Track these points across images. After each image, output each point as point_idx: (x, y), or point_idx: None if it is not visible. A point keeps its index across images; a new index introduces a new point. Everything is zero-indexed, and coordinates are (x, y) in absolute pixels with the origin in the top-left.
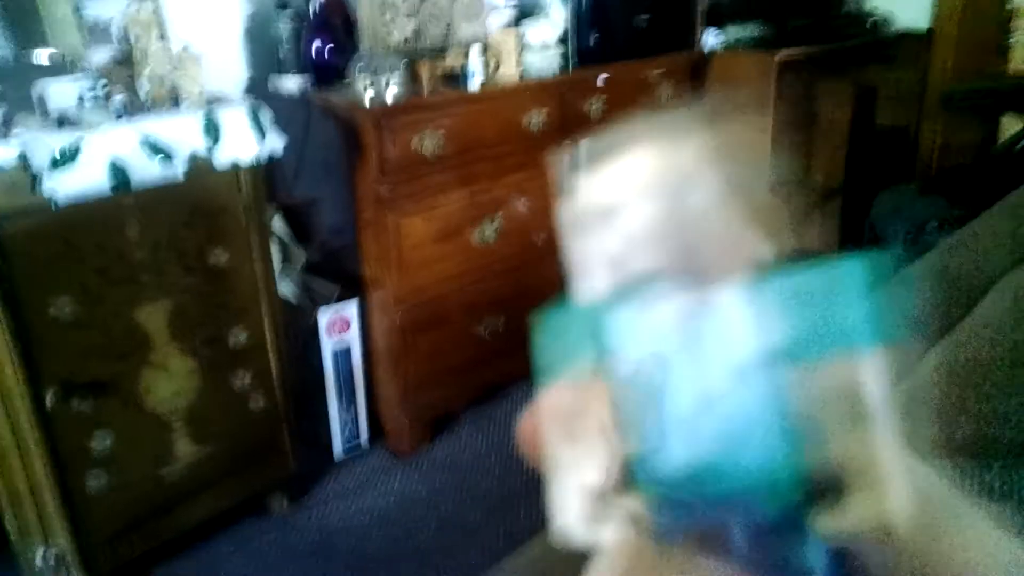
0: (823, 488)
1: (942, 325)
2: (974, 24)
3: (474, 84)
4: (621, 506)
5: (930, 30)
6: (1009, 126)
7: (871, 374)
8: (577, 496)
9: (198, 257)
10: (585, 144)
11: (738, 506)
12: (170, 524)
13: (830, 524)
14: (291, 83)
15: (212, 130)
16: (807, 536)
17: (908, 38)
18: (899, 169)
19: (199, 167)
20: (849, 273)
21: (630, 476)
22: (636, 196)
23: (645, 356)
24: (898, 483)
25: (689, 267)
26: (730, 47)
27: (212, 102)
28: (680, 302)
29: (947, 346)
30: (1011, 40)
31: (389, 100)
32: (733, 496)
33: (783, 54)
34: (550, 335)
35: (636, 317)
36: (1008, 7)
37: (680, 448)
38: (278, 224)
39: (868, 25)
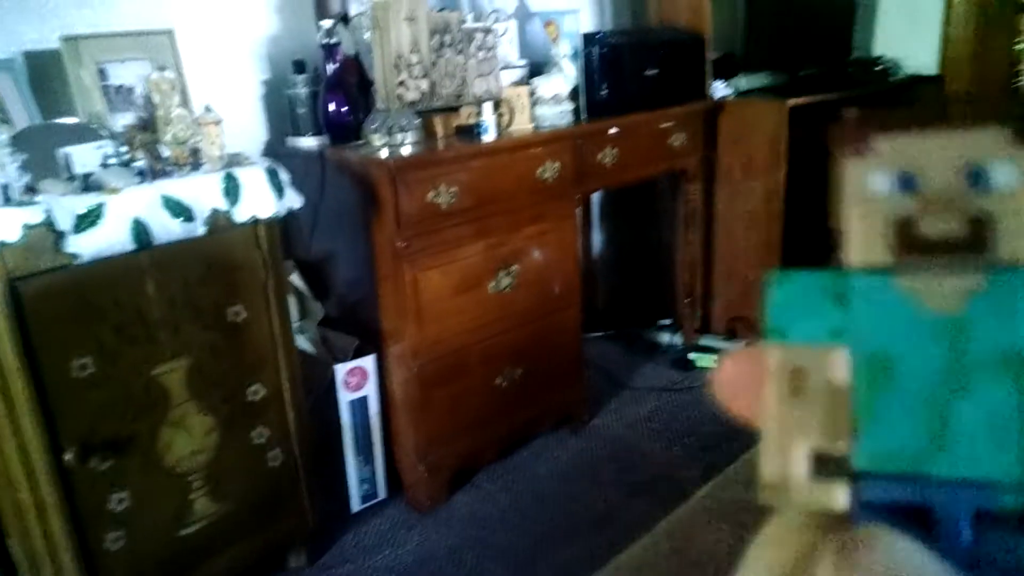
0: None
1: None
2: (985, 67)
3: (488, 138)
4: (839, 473)
5: (940, 75)
6: None
7: None
8: (799, 457)
9: (215, 313)
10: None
11: (969, 492)
12: None
13: None
14: (308, 143)
15: (232, 190)
16: None
17: (920, 83)
18: None
19: (218, 225)
20: None
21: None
22: (940, 161)
23: (893, 338)
24: None
25: (985, 241)
26: (742, 96)
27: (231, 163)
28: (948, 287)
29: None
30: (1021, 81)
31: (405, 155)
32: (966, 481)
33: (793, 101)
34: (791, 296)
35: (891, 301)
36: (1016, 48)
37: (912, 426)
38: (296, 279)
39: (878, 71)
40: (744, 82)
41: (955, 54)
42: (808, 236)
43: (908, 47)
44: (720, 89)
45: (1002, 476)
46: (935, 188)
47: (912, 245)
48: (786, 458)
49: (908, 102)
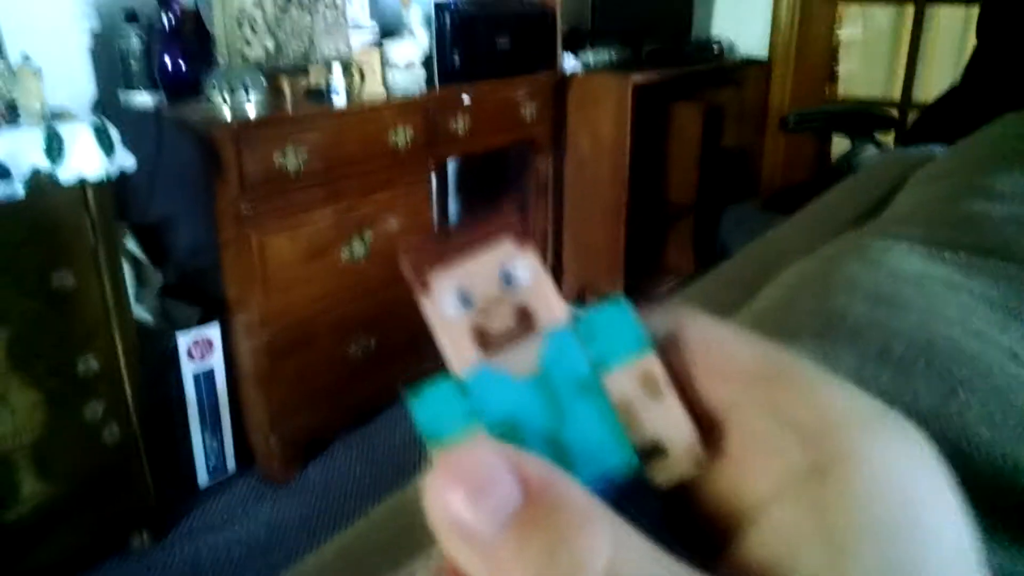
0: (649, 451)
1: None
2: (807, 53)
3: (337, 101)
4: None
5: (768, 58)
6: (840, 144)
7: (655, 365)
8: None
9: (38, 280)
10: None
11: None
12: (18, 570)
13: (661, 473)
14: (142, 98)
15: (54, 146)
16: (646, 486)
17: (750, 65)
18: (744, 186)
19: (40, 185)
20: (620, 309)
21: None
22: (483, 275)
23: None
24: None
25: (534, 322)
26: (589, 70)
27: (54, 117)
28: (525, 355)
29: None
30: (838, 68)
31: (249, 115)
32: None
33: (638, 77)
34: (432, 406)
35: (494, 381)
36: (835, 39)
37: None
38: (131, 245)
39: (714, 52)
40: (591, 56)
41: (781, 41)
42: (650, 204)
43: (741, 29)
44: (570, 62)
45: (609, 463)
46: (486, 297)
47: (491, 340)
48: None
49: (736, 83)
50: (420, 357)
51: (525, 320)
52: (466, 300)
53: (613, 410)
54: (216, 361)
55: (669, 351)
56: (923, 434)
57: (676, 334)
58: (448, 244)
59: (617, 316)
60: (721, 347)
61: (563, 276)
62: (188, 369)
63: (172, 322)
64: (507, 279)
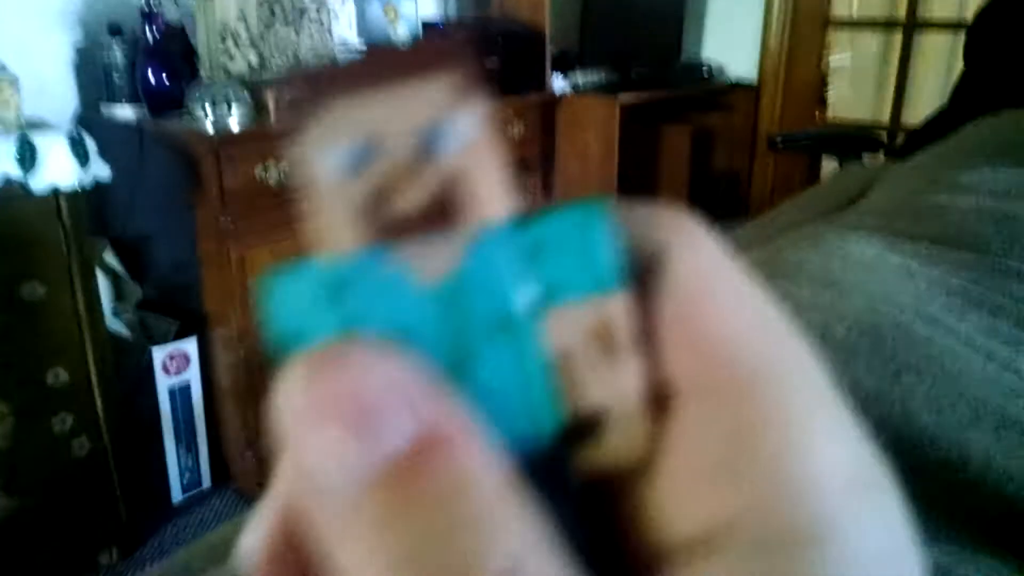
0: (580, 426)
1: None
2: (796, 77)
3: None
4: None
5: (758, 81)
6: (828, 166)
7: (620, 314)
8: None
9: (7, 291)
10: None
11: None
12: None
13: (588, 460)
14: (124, 111)
15: (26, 155)
16: (564, 474)
17: (739, 88)
18: (734, 209)
19: (10, 194)
20: (591, 220)
21: None
22: (396, 125)
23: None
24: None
25: (449, 209)
26: (578, 91)
27: (31, 128)
28: (435, 256)
29: None
30: (828, 92)
31: (231, 129)
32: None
33: (625, 98)
34: (289, 300)
35: (383, 281)
36: (825, 65)
37: None
38: (110, 258)
39: (703, 75)
40: (580, 78)
41: (770, 65)
42: None
43: (731, 53)
44: (559, 83)
45: (529, 425)
46: (396, 157)
47: (388, 226)
48: None
49: (726, 107)
50: None
51: (445, 206)
52: (366, 155)
53: (544, 361)
54: (192, 375)
55: (646, 284)
56: (864, 419)
57: (662, 261)
58: (361, 71)
59: (583, 229)
60: (716, 303)
61: None
62: (163, 383)
63: (150, 336)
64: (430, 139)
